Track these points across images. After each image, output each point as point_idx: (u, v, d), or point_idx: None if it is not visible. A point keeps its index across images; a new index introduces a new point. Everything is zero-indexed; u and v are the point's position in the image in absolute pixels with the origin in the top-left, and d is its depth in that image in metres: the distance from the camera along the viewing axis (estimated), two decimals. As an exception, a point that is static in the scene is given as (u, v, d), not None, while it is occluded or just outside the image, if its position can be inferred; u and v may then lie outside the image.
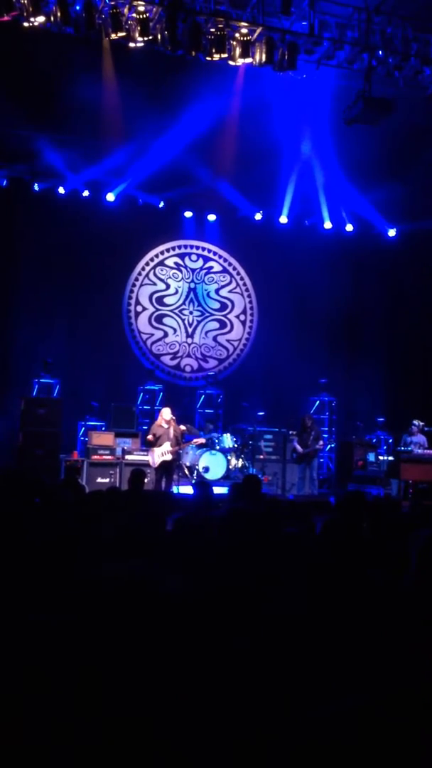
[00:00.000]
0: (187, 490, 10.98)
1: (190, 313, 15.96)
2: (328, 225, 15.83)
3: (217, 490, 11.89)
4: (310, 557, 2.69)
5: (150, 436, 11.65)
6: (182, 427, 12.15)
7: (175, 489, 11.77)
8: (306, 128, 13.75)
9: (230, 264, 16.24)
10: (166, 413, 11.82)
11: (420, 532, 2.44)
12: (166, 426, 11.65)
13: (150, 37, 10.43)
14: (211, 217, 15.66)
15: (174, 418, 11.93)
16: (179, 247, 15.98)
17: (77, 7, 10.21)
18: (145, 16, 10.32)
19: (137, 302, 15.66)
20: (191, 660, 1.62)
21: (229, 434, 13.73)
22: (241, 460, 13.63)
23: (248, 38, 10.76)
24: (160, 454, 11.58)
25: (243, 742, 1.53)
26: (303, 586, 2.25)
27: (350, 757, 1.21)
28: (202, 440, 12.98)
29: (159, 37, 10.51)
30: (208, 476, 12.87)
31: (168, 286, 15.88)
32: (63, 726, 1.51)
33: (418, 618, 1.34)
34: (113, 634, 1.56)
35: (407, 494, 12.11)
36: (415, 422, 13.09)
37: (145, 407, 14.59)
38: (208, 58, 10.80)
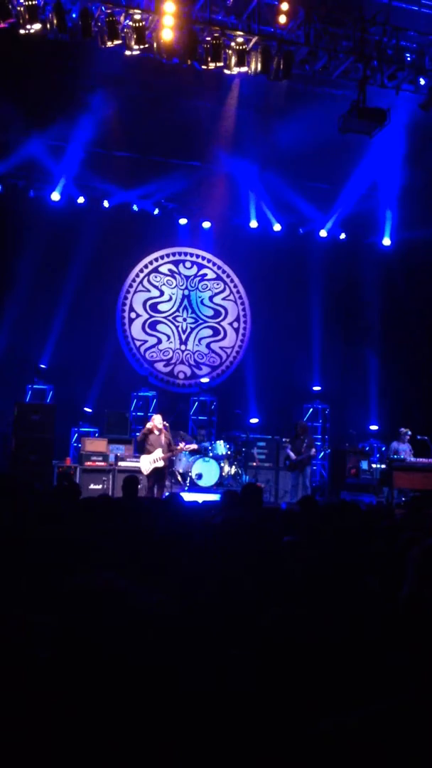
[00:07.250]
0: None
1: (184, 320, 15.97)
2: (323, 233, 15.88)
3: (210, 497, 11.97)
4: (310, 566, 2.69)
5: (140, 436, 11.75)
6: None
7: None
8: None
9: (224, 271, 16.26)
10: (157, 420, 11.80)
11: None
12: (158, 433, 11.64)
13: (146, 45, 10.46)
14: (206, 225, 15.67)
15: (167, 424, 11.93)
16: (173, 254, 15.99)
17: (73, 15, 10.23)
18: (141, 24, 10.35)
19: (131, 309, 15.66)
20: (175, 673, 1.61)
21: (222, 441, 13.73)
22: (234, 467, 13.62)
23: (244, 47, 10.80)
24: (152, 460, 11.55)
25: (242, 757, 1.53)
26: (303, 594, 2.25)
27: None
28: (194, 446, 12.96)
29: (155, 45, 10.54)
30: (201, 483, 12.86)
31: (162, 293, 15.88)
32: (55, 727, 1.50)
33: (417, 627, 1.34)
34: (89, 640, 1.56)
35: (391, 502, 12.12)
36: (404, 430, 13.21)
37: (138, 414, 14.57)
38: (204, 67, 10.84)
